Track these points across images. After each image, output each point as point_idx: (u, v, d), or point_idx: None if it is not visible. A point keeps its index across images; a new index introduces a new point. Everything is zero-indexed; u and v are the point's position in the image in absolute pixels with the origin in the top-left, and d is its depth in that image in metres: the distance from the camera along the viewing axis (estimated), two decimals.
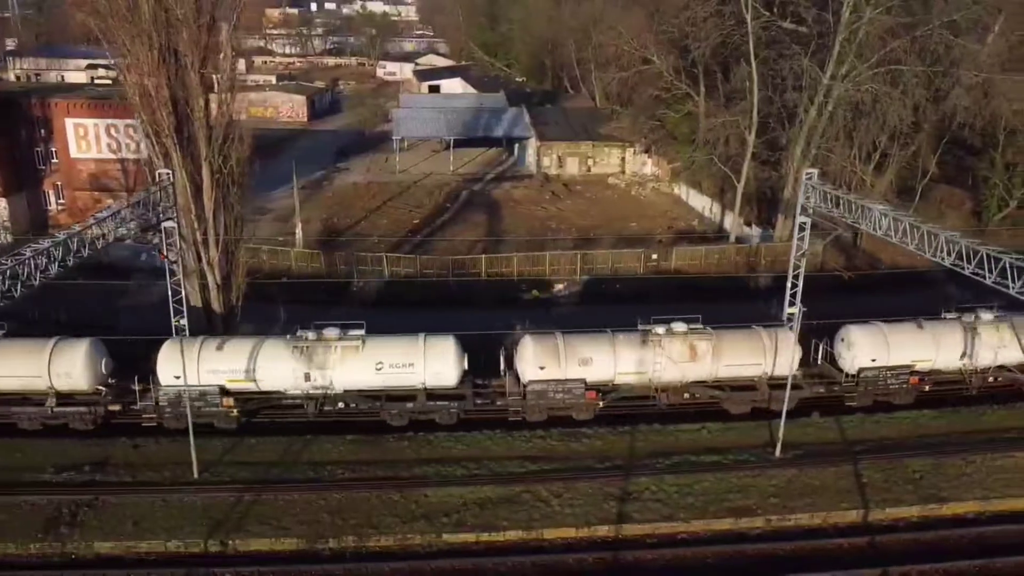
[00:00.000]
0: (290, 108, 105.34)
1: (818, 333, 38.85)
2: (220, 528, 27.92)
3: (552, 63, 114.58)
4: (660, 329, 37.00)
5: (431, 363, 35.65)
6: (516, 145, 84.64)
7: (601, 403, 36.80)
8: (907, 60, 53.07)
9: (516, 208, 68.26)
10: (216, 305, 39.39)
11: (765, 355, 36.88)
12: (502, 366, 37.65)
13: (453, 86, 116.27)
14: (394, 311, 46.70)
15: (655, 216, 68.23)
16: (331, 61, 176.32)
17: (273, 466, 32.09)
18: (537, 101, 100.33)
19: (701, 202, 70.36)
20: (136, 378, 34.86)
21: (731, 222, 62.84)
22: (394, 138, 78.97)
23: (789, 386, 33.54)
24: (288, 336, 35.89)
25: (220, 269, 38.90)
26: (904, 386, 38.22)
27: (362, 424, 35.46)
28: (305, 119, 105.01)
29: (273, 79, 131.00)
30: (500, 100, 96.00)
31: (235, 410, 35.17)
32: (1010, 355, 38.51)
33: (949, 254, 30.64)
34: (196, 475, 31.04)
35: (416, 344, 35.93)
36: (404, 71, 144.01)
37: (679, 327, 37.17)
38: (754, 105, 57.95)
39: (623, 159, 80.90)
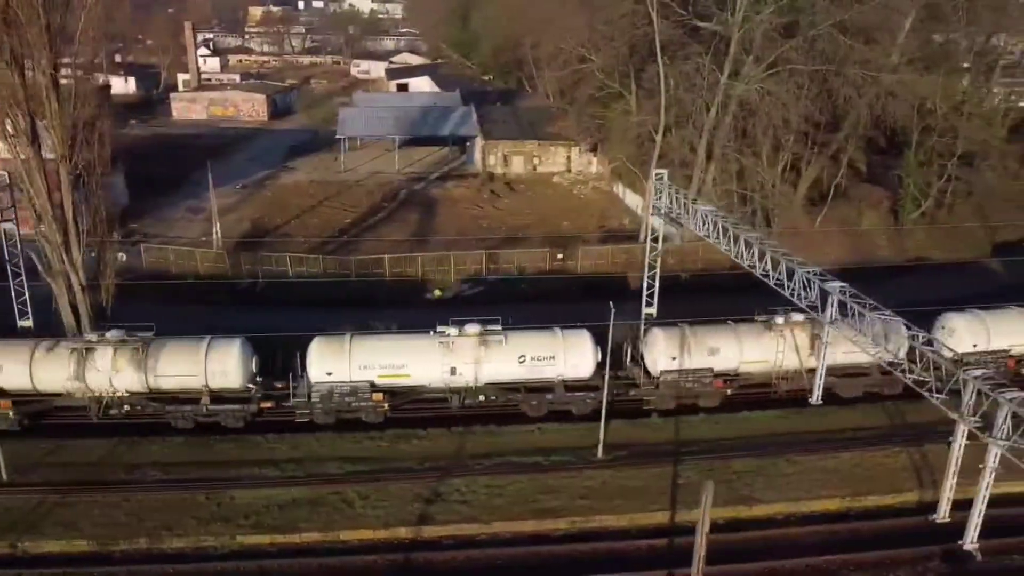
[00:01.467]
0: (250, 107, 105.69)
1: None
2: (13, 530, 27.94)
3: (513, 62, 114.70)
4: (780, 319, 38.97)
5: (570, 355, 37.15)
6: (467, 144, 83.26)
7: (729, 391, 38.61)
8: (804, 61, 54.17)
9: (452, 207, 67.80)
10: (83, 306, 38.63)
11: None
12: (626, 358, 39.41)
13: (421, 84, 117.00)
14: (291, 311, 45.90)
15: (590, 215, 67.01)
16: (306, 60, 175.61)
17: (91, 467, 32.01)
18: (493, 100, 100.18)
19: (635, 201, 68.86)
20: (292, 376, 35.90)
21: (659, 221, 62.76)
22: (338, 137, 78.25)
23: (606, 388, 34.14)
24: (432, 332, 37.08)
25: (87, 270, 38.44)
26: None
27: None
28: (266, 118, 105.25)
29: (237, 78, 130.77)
30: (454, 99, 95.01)
31: (385, 404, 36.21)
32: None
33: (753, 255, 33.16)
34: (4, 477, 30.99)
35: (555, 337, 37.42)
36: (378, 70, 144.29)
37: (797, 316, 39.19)
38: (662, 105, 57.47)
39: (569, 158, 78.95)
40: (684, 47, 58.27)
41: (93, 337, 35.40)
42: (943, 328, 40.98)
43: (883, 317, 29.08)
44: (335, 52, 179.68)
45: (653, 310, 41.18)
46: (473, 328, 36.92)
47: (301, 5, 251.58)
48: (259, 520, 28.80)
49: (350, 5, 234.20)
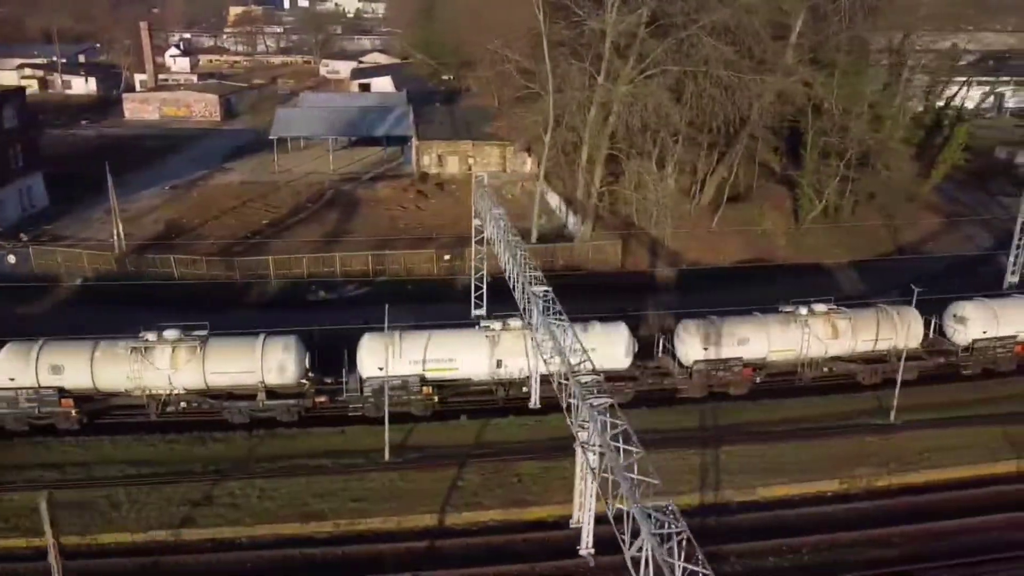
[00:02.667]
0: (203, 107, 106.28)
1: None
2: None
3: (467, 62, 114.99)
4: (803, 310, 41.01)
5: (608, 347, 38.76)
6: (407, 145, 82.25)
7: (758, 379, 40.55)
8: (678, 63, 54.93)
9: (374, 208, 67.28)
10: None
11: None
12: (658, 349, 41.24)
13: (383, 84, 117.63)
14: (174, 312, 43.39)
15: (512, 215, 66.27)
16: (277, 60, 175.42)
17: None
18: (440, 99, 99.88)
19: (556, 201, 69.29)
20: (344, 371, 37.25)
21: (573, 221, 62.46)
22: (270, 138, 78.19)
23: (387, 387, 34.84)
24: (478, 327, 38.61)
25: None
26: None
27: None
28: (218, 118, 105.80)
29: (195, 78, 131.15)
30: (400, 100, 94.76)
31: (435, 398, 37.66)
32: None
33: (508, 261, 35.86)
34: None
35: (593, 330, 38.98)
36: (348, 70, 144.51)
37: (820, 307, 41.33)
38: (550, 105, 57.17)
39: (504, 158, 78.03)
40: (573, 48, 58.42)
41: (152, 337, 36.40)
42: (955, 316, 43.31)
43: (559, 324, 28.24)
44: (307, 52, 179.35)
45: (483, 311, 42.72)
46: (516, 322, 38.44)
47: (287, 4, 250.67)
48: (15, 524, 28.63)
49: (336, 4, 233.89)
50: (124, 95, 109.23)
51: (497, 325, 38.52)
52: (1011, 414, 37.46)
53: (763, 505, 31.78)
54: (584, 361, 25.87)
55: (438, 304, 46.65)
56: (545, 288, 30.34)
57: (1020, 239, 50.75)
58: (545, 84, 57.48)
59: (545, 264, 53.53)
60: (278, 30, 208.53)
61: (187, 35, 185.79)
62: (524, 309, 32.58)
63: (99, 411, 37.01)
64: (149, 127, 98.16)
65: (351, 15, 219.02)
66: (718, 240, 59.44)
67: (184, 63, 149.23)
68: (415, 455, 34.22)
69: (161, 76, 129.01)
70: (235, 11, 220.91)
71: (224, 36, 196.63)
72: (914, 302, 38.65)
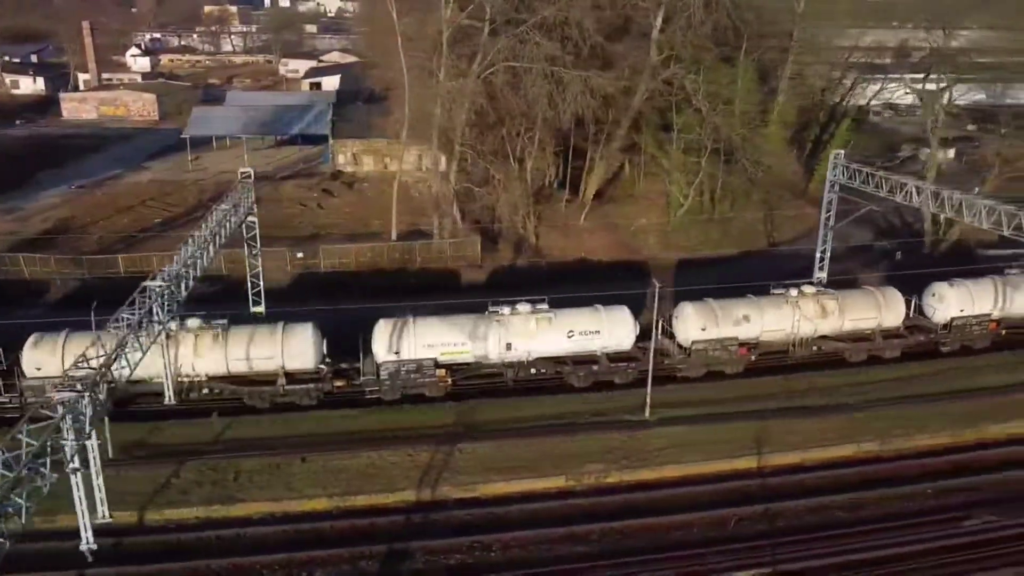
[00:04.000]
0: (140, 107, 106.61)
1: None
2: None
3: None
4: (794, 292, 43.33)
5: (613, 329, 40.78)
6: (329, 143, 79.24)
7: (753, 357, 42.72)
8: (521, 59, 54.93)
9: (274, 207, 65.27)
10: None
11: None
12: (657, 331, 43.28)
13: (332, 83, 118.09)
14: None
15: (409, 213, 62.48)
16: (239, 59, 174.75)
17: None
18: (364, 98, 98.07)
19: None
20: (361, 356, 38.75)
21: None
22: (182, 137, 78.21)
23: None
24: (488, 311, 40.33)
25: None
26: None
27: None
28: (156, 117, 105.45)
29: (139, 78, 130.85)
30: (327, 99, 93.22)
31: (449, 380, 39.31)
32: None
33: None
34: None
35: (598, 313, 41.00)
36: (305, 69, 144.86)
37: (808, 289, 43.68)
38: (406, 100, 57.51)
39: (420, 156, 73.65)
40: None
41: (174, 325, 37.57)
42: (933, 295, 45.87)
43: None
44: (268, 51, 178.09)
45: (261, 308, 43.72)
46: (525, 307, 40.27)
47: (267, 3, 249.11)
48: None
49: (318, 3, 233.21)
50: (61, 95, 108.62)
51: (506, 310, 40.26)
52: (779, 409, 38.18)
53: (481, 502, 31.76)
54: None
55: (292, 303, 45.52)
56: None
57: (826, 235, 48.79)
58: (402, 82, 58.04)
59: (405, 262, 55.55)
60: (245, 30, 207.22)
61: (157, 35, 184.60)
62: None
63: (124, 399, 38.10)
64: (84, 127, 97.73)
65: (332, 14, 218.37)
66: (588, 236, 60.29)
67: (144, 63, 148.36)
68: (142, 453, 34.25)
69: (106, 75, 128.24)
70: (209, 10, 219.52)
71: (193, 36, 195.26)
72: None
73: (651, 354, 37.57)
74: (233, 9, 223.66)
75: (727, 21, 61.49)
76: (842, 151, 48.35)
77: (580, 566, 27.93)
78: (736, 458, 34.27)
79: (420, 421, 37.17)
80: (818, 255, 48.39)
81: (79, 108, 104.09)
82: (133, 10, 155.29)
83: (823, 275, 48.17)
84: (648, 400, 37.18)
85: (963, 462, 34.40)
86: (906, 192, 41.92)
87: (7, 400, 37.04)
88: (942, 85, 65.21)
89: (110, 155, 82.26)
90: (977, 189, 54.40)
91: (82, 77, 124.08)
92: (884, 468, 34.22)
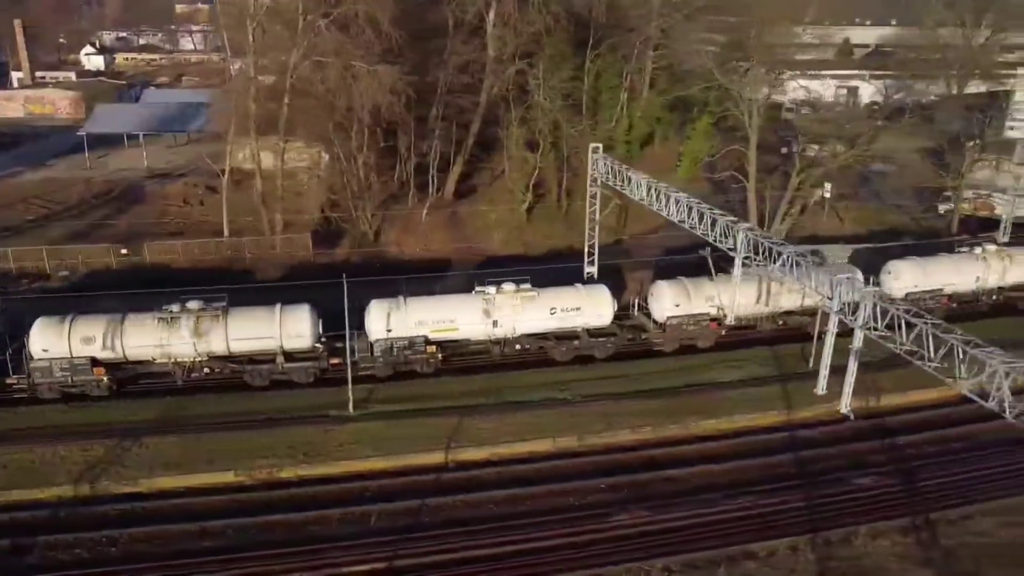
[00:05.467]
0: (67, 105, 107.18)
1: None
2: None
3: None
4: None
5: (592, 306, 43.22)
6: None
7: (723, 332, 45.38)
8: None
9: (153, 205, 66.01)
10: None
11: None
12: (634, 308, 45.94)
13: None
14: None
15: (284, 210, 61.16)
16: (195, 58, 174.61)
17: None
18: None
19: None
20: (357, 334, 40.68)
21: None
22: (79, 134, 77.85)
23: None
24: (474, 290, 42.56)
25: None
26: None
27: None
28: (83, 116, 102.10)
29: (73, 76, 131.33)
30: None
31: (439, 355, 41.44)
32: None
33: None
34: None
35: (579, 291, 43.46)
36: None
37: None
38: (244, 93, 57.38)
39: (320, 152, 71.35)
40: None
41: (175, 308, 39.30)
42: (889, 272, 48.94)
43: None
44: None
45: None
46: (510, 286, 42.58)
47: None
48: None
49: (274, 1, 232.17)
50: None
51: (492, 289, 42.53)
52: (477, 406, 38.22)
53: (141, 497, 31.64)
54: None
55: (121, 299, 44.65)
56: None
57: (592, 231, 50.67)
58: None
59: (234, 257, 56.08)
60: (210, 28, 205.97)
61: (124, 33, 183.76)
62: None
63: (128, 379, 39.84)
64: (8, 125, 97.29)
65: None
66: (430, 232, 60.64)
67: (99, 61, 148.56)
68: None
69: (41, 74, 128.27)
70: (180, 10, 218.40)
71: (158, 35, 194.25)
72: None
73: (347, 352, 37.80)
74: (205, 8, 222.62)
75: (560, 17, 60.98)
76: (599, 145, 49.87)
77: (199, 560, 27.89)
78: (424, 453, 34.32)
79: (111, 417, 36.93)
80: (586, 249, 50.72)
81: (6, 106, 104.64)
82: (102, 11, 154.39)
83: (593, 270, 49.35)
84: (351, 395, 37.41)
85: (654, 457, 34.74)
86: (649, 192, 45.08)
87: (15, 381, 38.55)
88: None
89: (19, 153, 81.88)
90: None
91: (15, 76, 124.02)
92: (571, 463, 34.30)
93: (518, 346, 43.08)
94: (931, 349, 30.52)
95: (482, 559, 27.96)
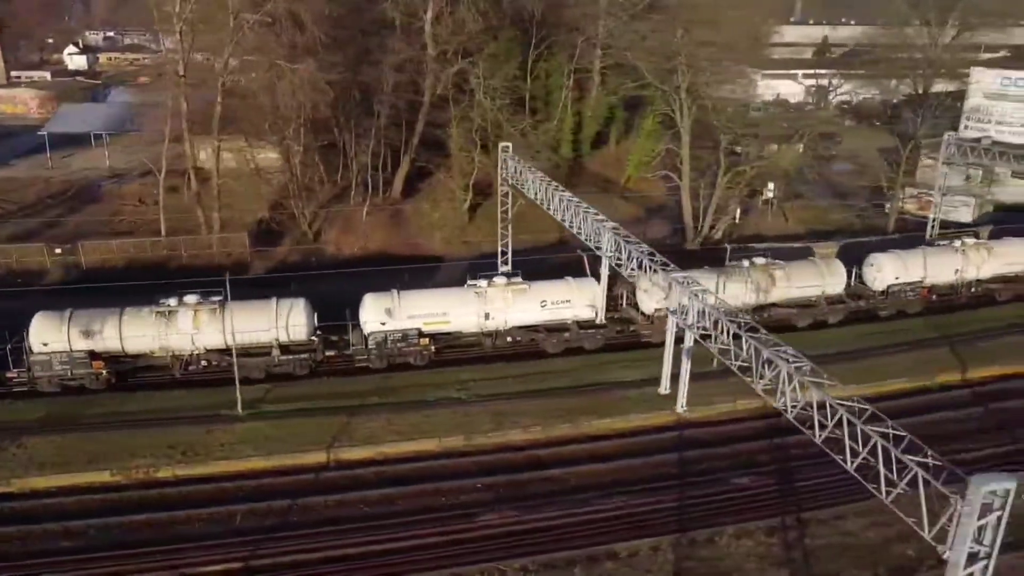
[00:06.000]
0: (38, 104, 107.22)
1: None
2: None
3: None
4: (746, 262, 47.22)
5: (580, 300, 44.22)
6: None
7: None
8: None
9: (108, 204, 66.05)
10: None
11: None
12: (622, 301, 47.03)
13: None
14: None
15: (236, 210, 61.71)
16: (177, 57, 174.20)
17: None
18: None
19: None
20: (351, 327, 41.61)
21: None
22: (40, 133, 77.96)
23: None
24: (466, 284, 43.47)
25: None
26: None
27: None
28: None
29: (48, 76, 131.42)
30: None
31: (432, 347, 42.33)
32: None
33: None
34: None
35: (569, 285, 44.45)
36: None
37: (759, 260, 47.64)
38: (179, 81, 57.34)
39: (287, 150, 70.79)
40: None
41: (173, 302, 40.02)
42: (871, 265, 50.24)
43: None
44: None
45: None
46: (501, 279, 43.52)
47: None
48: None
49: None
50: None
51: (484, 282, 43.45)
52: (368, 405, 37.78)
53: (10, 497, 31.31)
54: None
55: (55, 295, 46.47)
56: None
57: (504, 231, 51.61)
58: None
59: (172, 255, 56.02)
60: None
61: (110, 33, 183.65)
62: None
63: (126, 372, 40.52)
64: None
65: None
66: (371, 231, 60.53)
67: (81, 61, 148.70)
68: None
69: (16, 73, 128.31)
70: (166, 8, 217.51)
71: (141, 34, 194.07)
72: None
73: (233, 353, 37.36)
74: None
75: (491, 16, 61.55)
76: (508, 145, 50.53)
77: (55, 560, 27.60)
78: (307, 452, 33.97)
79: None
80: (499, 248, 51.29)
81: None
82: (92, 9, 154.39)
83: (507, 269, 48.80)
84: (239, 395, 36.95)
85: (540, 456, 34.60)
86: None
87: (15, 375, 39.22)
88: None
89: None
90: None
91: None
92: (455, 463, 34.08)
93: (509, 338, 44.04)
94: (745, 351, 29.78)
95: (342, 559, 27.80)
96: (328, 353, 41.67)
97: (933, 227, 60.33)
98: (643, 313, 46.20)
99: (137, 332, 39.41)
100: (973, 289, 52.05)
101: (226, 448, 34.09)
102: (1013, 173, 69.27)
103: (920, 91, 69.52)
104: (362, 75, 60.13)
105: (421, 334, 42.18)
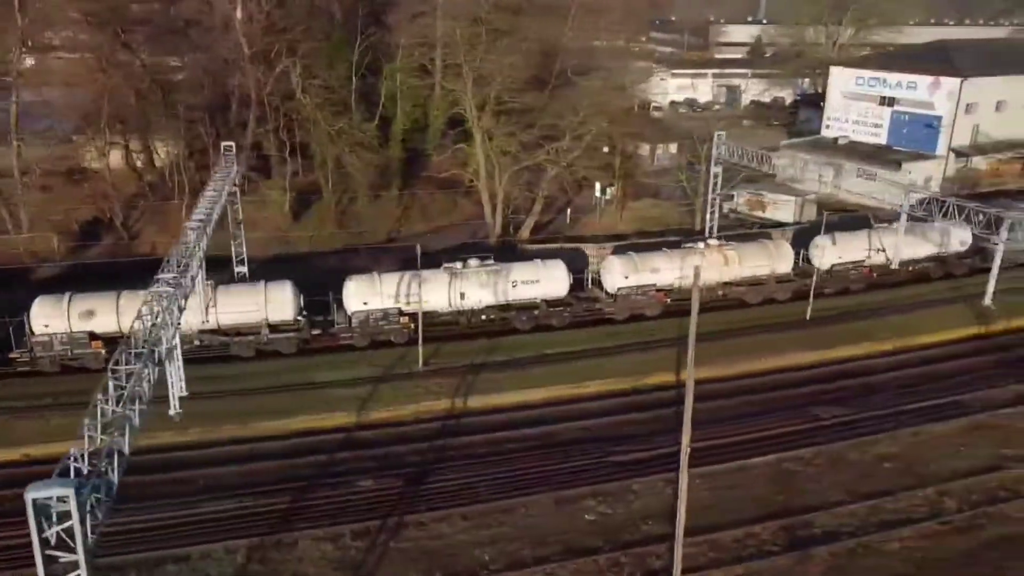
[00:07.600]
0: None
1: None
2: None
3: None
4: (701, 244, 51.00)
5: (548, 280, 47.52)
6: None
7: (669, 300, 50.04)
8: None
9: None
10: None
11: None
12: (587, 280, 50.44)
13: None
14: None
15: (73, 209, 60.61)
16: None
17: None
18: None
19: None
20: (336, 307, 44.43)
21: None
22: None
23: None
24: (442, 267, 46.55)
25: None
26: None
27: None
28: None
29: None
30: None
31: (412, 325, 45.30)
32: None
33: None
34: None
35: (537, 265, 47.73)
36: None
37: (713, 242, 51.39)
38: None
39: (166, 146, 69.75)
40: None
41: None
42: (816, 246, 54.11)
43: None
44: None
45: None
46: (474, 262, 46.67)
47: None
48: None
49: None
50: None
51: (459, 264, 46.59)
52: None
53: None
54: None
55: None
56: None
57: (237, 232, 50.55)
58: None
59: (51, 254, 55.57)
60: None
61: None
62: None
63: None
64: None
65: None
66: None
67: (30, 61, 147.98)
68: None
69: None
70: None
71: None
72: None
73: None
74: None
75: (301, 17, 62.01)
76: (232, 144, 49.94)
77: None
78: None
79: None
80: (234, 250, 49.57)
81: None
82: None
83: (243, 269, 49.49)
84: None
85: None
86: None
87: (18, 355, 41.52)
88: None
89: None
90: None
91: None
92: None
93: (483, 316, 47.19)
94: None
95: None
96: (314, 332, 44.44)
97: (711, 226, 60.06)
98: (607, 292, 49.65)
99: (133, 313, 41.62)
100: (910, 268, 55.69)
101: None
102: (859, 172, 74.28)
103: (819, 90, 71.80)
104: (167, 73, 61.51)
105: (401, 313, 45.19)
